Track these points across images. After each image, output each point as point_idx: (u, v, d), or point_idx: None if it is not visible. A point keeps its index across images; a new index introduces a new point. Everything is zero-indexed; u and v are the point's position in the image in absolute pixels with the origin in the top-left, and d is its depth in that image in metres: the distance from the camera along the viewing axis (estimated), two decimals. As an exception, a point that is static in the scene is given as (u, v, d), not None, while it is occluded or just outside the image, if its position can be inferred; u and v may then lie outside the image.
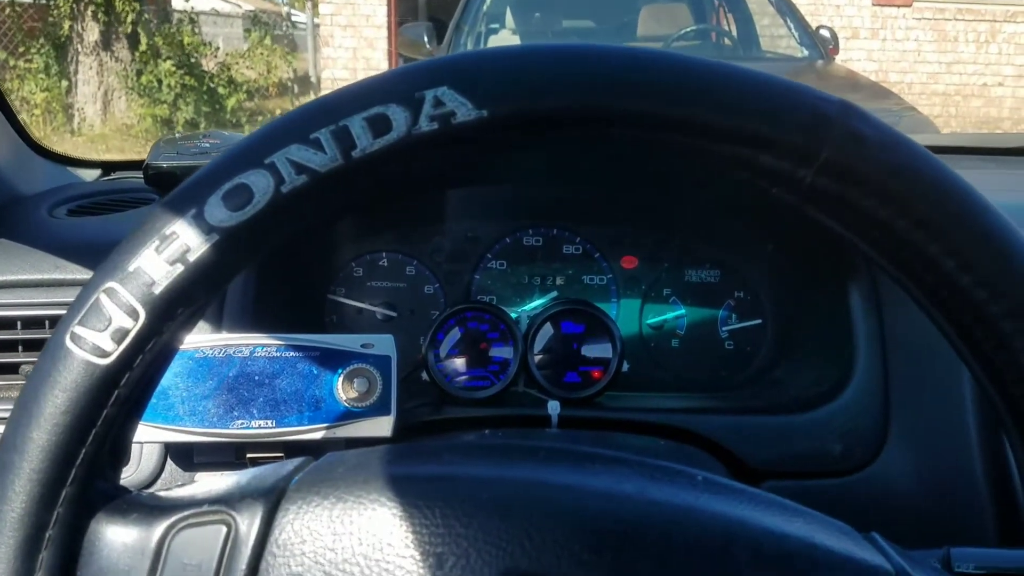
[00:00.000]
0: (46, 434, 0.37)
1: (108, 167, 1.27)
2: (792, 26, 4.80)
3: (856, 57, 7.59)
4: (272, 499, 0.40)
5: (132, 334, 0.37)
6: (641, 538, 0.38)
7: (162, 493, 0.43)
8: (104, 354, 0.37)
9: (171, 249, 0.37)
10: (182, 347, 0.77)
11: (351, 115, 0.37)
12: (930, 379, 0.85)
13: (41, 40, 7.28)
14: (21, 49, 7.24)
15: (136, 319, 0.37)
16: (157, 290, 0.37)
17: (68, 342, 0.37)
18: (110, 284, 0.37)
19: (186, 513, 0.40)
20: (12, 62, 7.15)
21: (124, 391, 0.38)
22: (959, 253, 0.37)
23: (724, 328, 1.05)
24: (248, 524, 0.39)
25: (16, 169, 1.10)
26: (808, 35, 4.74)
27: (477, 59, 0.39)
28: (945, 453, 0.84)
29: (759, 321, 1.04)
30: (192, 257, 0.37)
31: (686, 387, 1.02)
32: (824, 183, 0.37)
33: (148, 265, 0.37)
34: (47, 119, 7.11)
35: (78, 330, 0.37)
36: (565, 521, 0.39)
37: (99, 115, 7.35)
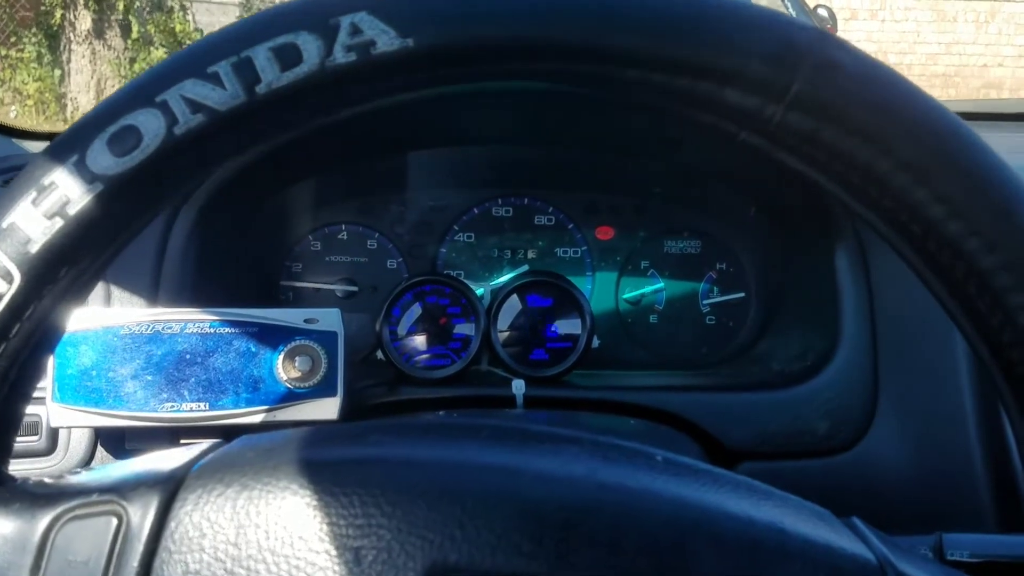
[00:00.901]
0: None
1: (53, 138, 1.21)
2: (789, 5, 4.73)
3: (855, 38, 7.51)
4: (169, 487, 0.36)
5: (6, 299, 0.33)
6: (588, 526, 0.34)
7: (50, 480, 0.38)
8: None
9: (49, 201, 0.33)
10: (105, 323, 0.72)
11: (255, 45, 0.33)
12: (922, 350, 0.79)
13: (33, 29, 7.24)
14: (13, 39, 7.19)
15: (11, 282, 0.33)
16: (33, 248, 0.33)
17: None
18: None
19: (73, 503, 0.36)
20: (4, 52, 7.10)
21: (2, 364, 0.34)
22: (949, 199, 0.32)
23: (705, 302, 0.99)
24: (141, 516, 0.35)
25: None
26: (806, 14, 4.67)
27: None
28: (938, 430, 0.78)
29: (742, 294, 0.98)
30: (73, 210, 0.33)
31: (664, 365, 0.97)
32: (796, 120, 0.33)
33: (23, 220, 0.33)
34: (40, 109, 7.07)
35: None
36: (502, 508, 0.34)
37: (92, 104, 7.30)
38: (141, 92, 0.33)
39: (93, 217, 0.33)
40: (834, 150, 0.33)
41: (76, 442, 0.78)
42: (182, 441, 0.74)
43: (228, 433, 0.74)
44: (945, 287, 0.34)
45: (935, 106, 0.33)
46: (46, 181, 0.33)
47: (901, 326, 0.80)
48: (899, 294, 0.80)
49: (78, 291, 0.36)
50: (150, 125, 0.32)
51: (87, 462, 0.78)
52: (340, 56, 0.32)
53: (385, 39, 0.32)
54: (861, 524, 0.37)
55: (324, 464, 0.36)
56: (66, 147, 0.33)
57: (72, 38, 7.25)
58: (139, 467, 0.38)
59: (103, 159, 0.33)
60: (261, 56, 0.32)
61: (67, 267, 0.34)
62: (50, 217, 0.33)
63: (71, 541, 0.35)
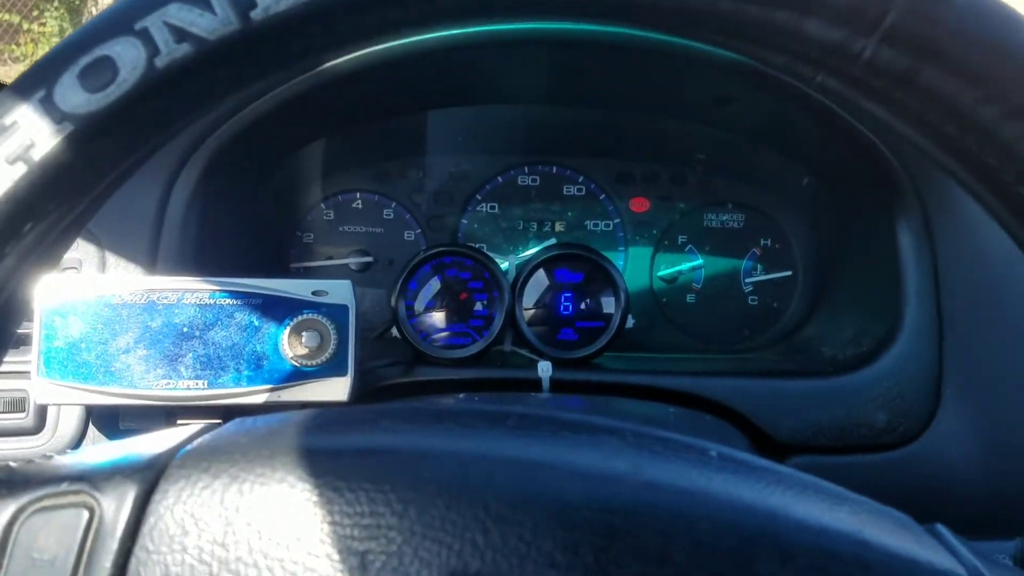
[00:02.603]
0: None
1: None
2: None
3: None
4: (148, 477, 0.32)
5: None
6: (633, 533, 0.30)
7: (15, 465, 0.34)
8: None
9: (11, 144, 0.29)
10: (97, 293, 0.66)
11: None
12: (992, 335, 0.73)
13: (55, 3, 7.28)
14: (35, 13, 7.23)
15: None
16: None
17: None
18: None
19: (39, 493, 0.32)
20: (26, 26, 7.15)
21: None
22: None
23: (748, 281, 0.93)
24: (115, 509, 0.31)
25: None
26: None
27: None
28: (1008, 423, 0.72)
29: (788, 273, 0.92)
30: (38, 154, 0.29)
31: (702, 348, 0.91)
32: (888, 58, 0.29)
33: None
34: (61, 83, 7.14)
35: None
36: (533, 509, 0.30)
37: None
38: (119, 18, 0.29)
39: (61, 162, 0.29)
40: (931, 94, 0.29)
41: (66, 421, 0.72)
42: (179, 422, 0.69)
43: (228, 413, 0.69)
44: None
45: None
46: (7, 121, 0.29)
47: (969, 309, 0.73)
48: (968, 274, 0.73)
49: (48, 250, 0.32)
50: (127, 56, 0.29)
51: (78, 442, 0.73)
52: None
53: None
54: (946, 532, 0.33)
55: (327, 453, 0.32)
56: (31, 82, 0.29)
57: (94, 12, 7.28)
58: (116, 453, 0.34)
59: (73, 95, 0.29)
60: None
61: (32, 221, 0.30)
62: (12, 162, 0.29)
63: (36, 536, 0.31)
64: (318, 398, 0.68)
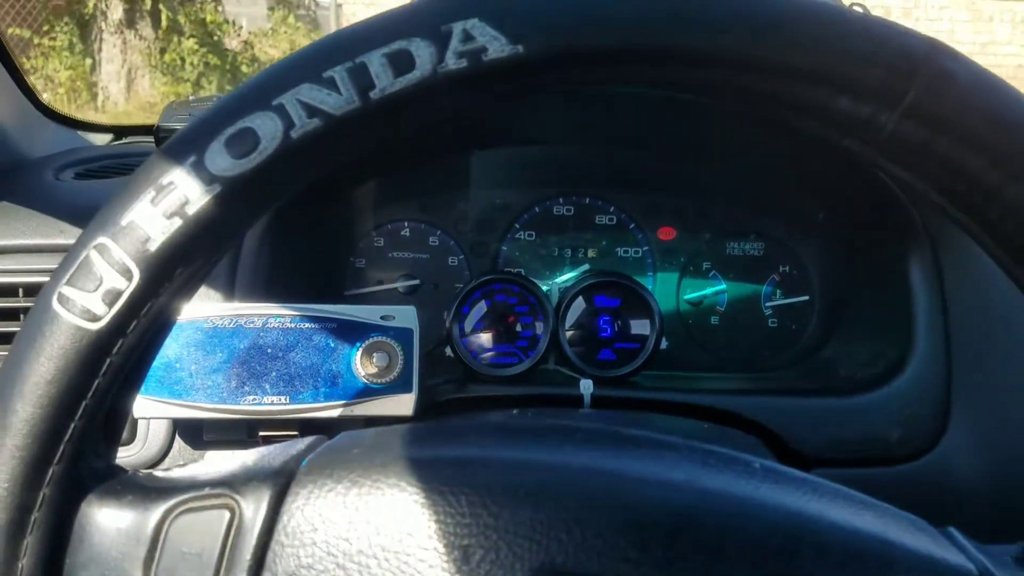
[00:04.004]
0: (30, 407, 0.33)
1: (120, 131, 1.23)
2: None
3: (888, 37, 7.42)
4: (280, 482, 0.36)
5: (125, 296, 0.33)
6: (695, 532, 0.34)
7: (160, 473, 0.39)
8: (95, 318, 0.33)
9: (168, 201, 0.33)
10: (190, 317, 0.73)
11: (370, 51, 0.33)
12: (996, 357, 0.79)
13: (65, 18, 7.28)
14: (46, 27, 7.24)
15: (130, 279, 0.33)
16: (153, 247, 0.33)
17: (55, 304, 0.33)
18: (101, 240, 0.33)
19: (186, 496, 0.36)
20: (37, 40, 7.15)
21: (117, 359, 0.34)
22: None
23: (768, 304, 0.99)
24: (254, 509, 0.35)
25: (22, 131, 1.05)
26: (841, 12, 4.63)
27: None
28: (1012, 439, 0.78)
29: (806, 297, 0.97)
30: (191, 210, 0.33)
31: (725, 367, 0.96)
32: (908, 129, 0.32)
33: (143, 219, 0.33)
34: (71, 97, 7.13)
35: (66, 291, 0.33)
36: (608, 512, 0.34)
37: (123, 93, 7.36)
38: (258, 95, 0.33)
39: (211, 217, 0.33)
40: (944, 160, 0.33)
41: (154, 432, 0.79)
42: (261, 434, 0.75)
43: (304, 426, 0.75)
44: None
45: None
46: (165, 181, 0.33)
47: (975, 333, 0.79)
48: (973, 300, 0.80)
49: (190, 289, 0.37)
50: (267, 128, 0.33)
51: (165, 452, 0.79)
52: (452, 62, 0.32)
53: (496, 45, 0.32)
54: (958, 534, 0.37)
55: (430, 462, 0.37)
56: (185, 147, 0.33)
57: (103, 27, 7.29)
58: (249, 462, 0.38)
59: (221, 160, 0.33)
60: (376, 62, 0.32)
61: (183, 266, 0.34)
62: (169, 217, 0.33)
63: (184, 533, 0.35)
64: (387, 412, 0.74)
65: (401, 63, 0.32)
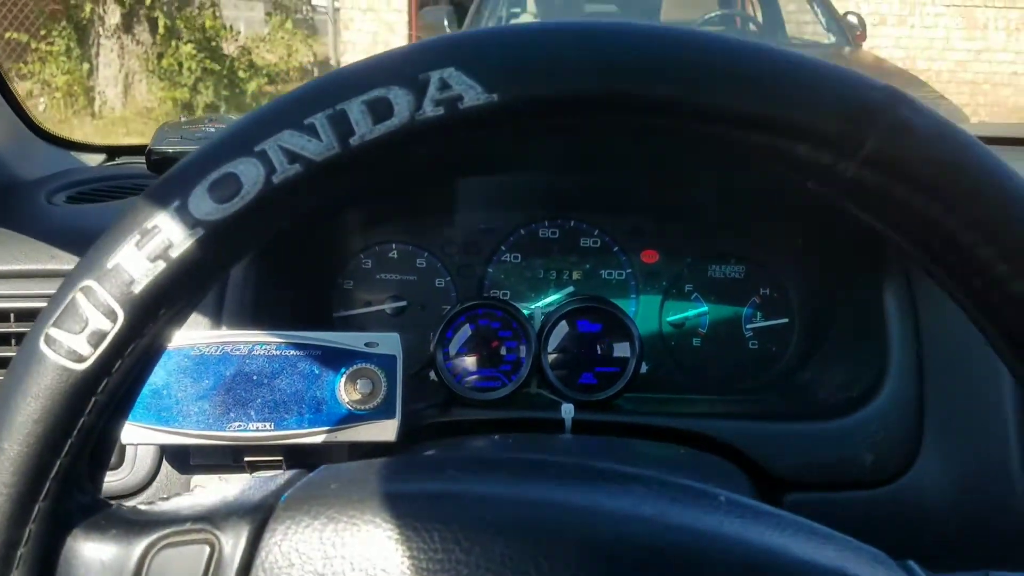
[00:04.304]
0: (17, 445, 0.34)
1: (112, 152, 1.24)
2: (819, 12, 4.71)
3: (884, 44, 7.45)
4: (259, 517, 0.37)
5: (110, 337, 0.34)
6: (660, 567, 0.35)
7: (144, 507, 0.40)
8: (80, 358, 0.34)
9: (152, 244, 0.34)
10: (177, 344, 0.74)
11: (349, 98, 0.34)
12: (968, 383, 0.80)
13: (63, 23, 7.27)
14: (43, 32, 7.23)
15: (114, 320, 0.34)
16: (137, 289, 0.34)
17: (42, 345, 0.34)
18: (87, 282, 0.35)
19: (167, 531, 0.37)
20: (34, 44, 7.14)
21: (102, 398, 0.35)
22: (1015, 259, 0.33)
23: (749, 327, 1.00)
24: (233, 544, 0.36)
25: (15, 153, 1.07)
26: (835, 21, 4.66)
27: (487, 38, 0.35)
28: (983, 465, 0.79)
29: (786, 320, 0.99)
30: (175, 253, 0.34)
31: (708, 388, 0.98)
32: (867, 177, 0.33)
33: (127, 262, 0.34)
34: (68, 102, 7.12)
35: (53, 332, 0.34)
36: (577, 547, 0.36)
37: (120, 98, 7.35)
38: (241, 141, 0.34)
39: (194, 260, 0.34)
40: (902, 206, 0.34)
41: (142, 458, 0.80)
42: (247, 459, 0.77)
43: (289, 452, 0.76)
44: (1006, 341, 0.35)
45: (1002, 167, 0.34)
46: (149, 224, 0.34)
47: (947, 360, 0.81)
48: (945, 329, 0.81)
49: (174, 327, 0.38)
50: (250, 173, 0.34)
51: (153, 476, 0.80)
52: (429, 110, 0.33)
53: (472, 94, 0.33)
54: (916, 567, 0.38)
55: (405, 497, 0.38)
56: (169, 191, 0.34)
57: (101, 32, 7.28)
58: (229, 496, 0.39)
59: (204, 205, 0.34)
60: (355, 109, 0.33)
61: (167, 307, 0.35)
62: (153, 260, 0.34)
63: (165, 568, 0.36)
64: (369, 438, 0.76)
65: (380, 110, 0.33)
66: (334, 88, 0.34)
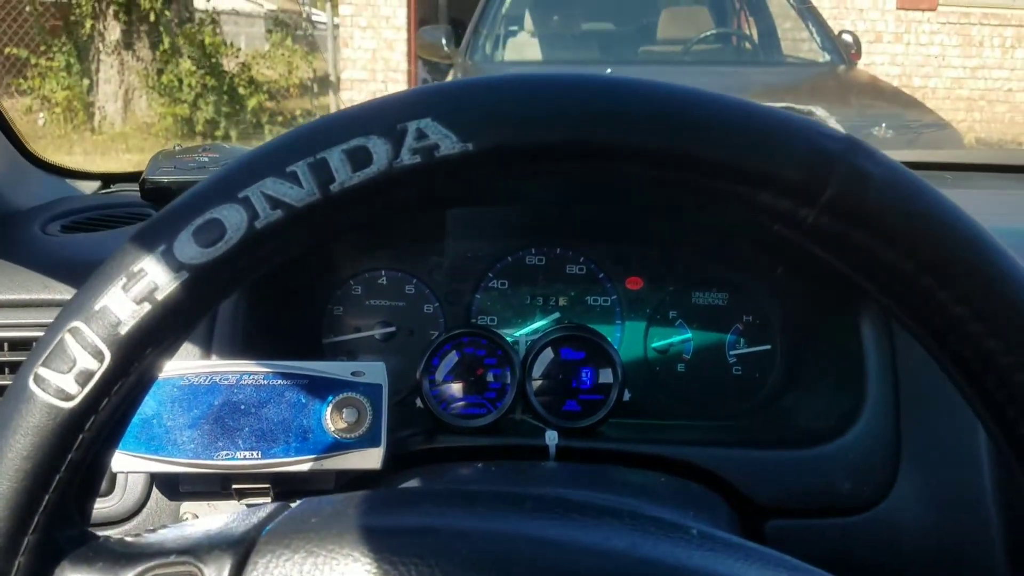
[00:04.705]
0: (7, 480, 0.36)
1: (107, 179, 1.26)
2: (814, 30, 4.73)
3: (879, 61, 7.50)
4: (241, 551, 0.38)
5: (97, 376, 0.36)
6: None
7: (130, 539, 0.41)
8: (68, 397, 0.36)
9: (139, 287, 0.35)
10: (167, 375, 0.76)
11: (329, 147, 0.35)
12: (943, 413, 0.82)
13: (63, 38, 7.32)
14: (43, 48, 7.27)
15: (101, 360, 0.36)
16: (123, 330, 0.36)
17: (31, 384, 0.36)
18: (75, 323, 0.36)
19: (153, 563, 0.38)
20: (34, 60, 7.19)
21: (89, 434, 0.37)
22: (970, 300, 0.35)
23: (732, 353, 1.02)
24: None
25: (10, 181, 1.08)
26: (830, 39, 4.68)
27: (462, 89, 0.37)
28: (957, 490, 0.80)
29: (768, 347, 1.00)
30: (160, 296, 0.35)
31: (692, 414, 0.99)
32: (827, 223, 0.35)
33: (114, 304, 0.36)
34: (68, 117, 7.16)
35: (42, 372, 0.36)
36: None
37: (120, 114, 7.39)
38: (225, 187, 0.36)
39: (179, 302, 0.36)
40: (863, 251, 0.35)
41: (132, 485, 0.81)
42: (234, 487, 0.78)
43: (276, 480, 0.78)
44: (965, 378, 0.36)
45: (958, 213, 0.35)
46: (135, 268, 0.36)
47: (923, 390, 0.82)
48: (921, 358, 0.82)
49: (160, 365, 0.39)
50: (233, 219, 0.35)
51: (143, 504, 0.82)
52: (407, 158, 0.35)
53: (448, 143, 0.35)
54: None
55: (383, 532, 0.39)
56: (155, 236, 0.36)
57: (101, 48, 7.32)
58: (212, 529, 0.41)
59: (189, 249, 0.35)
60: (335, 157, 0.35)
61: (152, 347, 0.37)
62: (139, 302, 0.35)
63: None
64: (355, 466, 0.77)
65: (359, 158, 0.35)
66: (315, 137, 0.36)
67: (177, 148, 1.12)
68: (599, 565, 0.38)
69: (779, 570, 0.39)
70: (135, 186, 1.15)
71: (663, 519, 0.42)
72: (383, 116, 0.36)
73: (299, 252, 0.38)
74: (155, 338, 0.36)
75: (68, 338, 0.36)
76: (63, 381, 0.36)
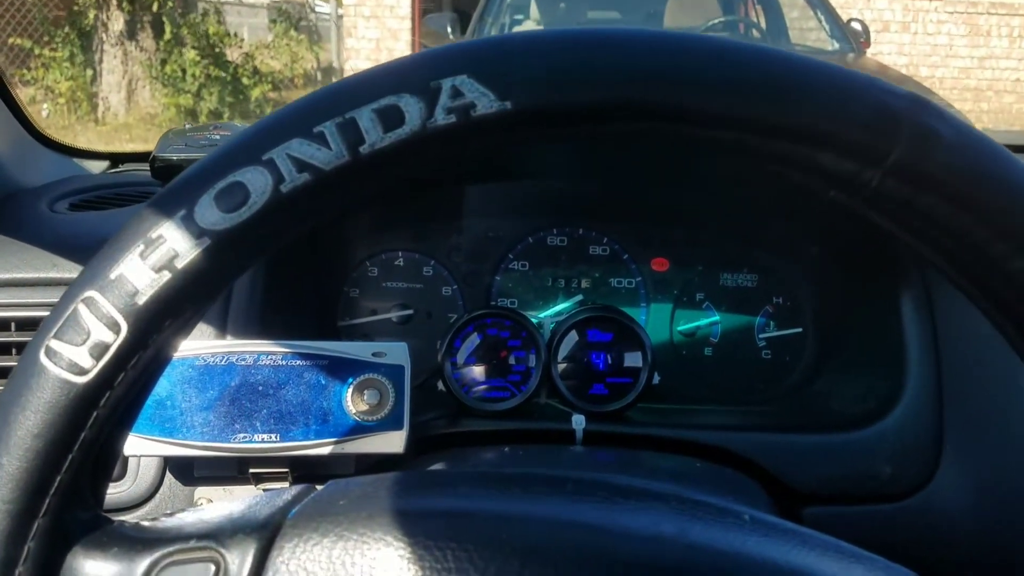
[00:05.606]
0: (16, 460, 0.34)
1: (116, 159, 1.23)
2: (822, 18, 4.71)
3: (887, 51, 7.47)
4: (266, 535, 0.36)
5: (113, 349, 0.34)
6: None
7: (147, 523, 0.39)
8: (81, 371, 0.34)
9: (157, 255, 0.33)
10: (181, 354, 0.73)
11: (359, 106, 0.33)
12: (988, 395, 0.79)
13: (66, 29, 7.29)
14: (46, 38, 7.25)
15: (117, 332, 0.34)
16: (141, 300, 0.33)
17: (42, 358, 0.34)
18: (89, 293, 0.34)
19: (171, 549, 0.36)
20: (37, 51, 7.16)
21: (104, 412, 0.35)
22: None
23: (761, 336, 0.99)
24: (239, 563, 0.35)
25: (17, 160, 1.05)
26: (839, 28, 4.65)
27: (501, 45, 0.34)
28: (1005, 477, 0.77)
29: (799, 330, 0.97)
30: (180, 264, 0.33)
31: (719, 399, 0.96)
32: (892, 187, 0.33)
33: (131, 272, 0.33)
34: (71, 108, 7.14)
35: (54, 344, 0.34)
36: (595, 568, 0.34)
37: (123, 104, 7.37)
38: (249, 149, 0.34)
39: (200, 271, 0.34)
40: (928, 216, 0.33)
41: (145, 469, 0.79)
42: (251, 471, 0.75)
43: (295, 464, 0.75)
44: None
45: None
46: (153, 234, 0.33)
47: (967, 370, 0.79)
48: (965, 337, 0.80)
49: (178, 339, 0.37)
50: (257, 182, 0.33)
51: (156, 488, 0.79)
52: (441, 118, 0.33)
53: (485, 102, 0.33)
54: None
55: (416, 515, 0.37)
56: (174, 201, 0.34)
57: (104, 38, 7.31)
58: (235, 513, 0.38)
59: (211, 214, 0.33)
60: (365, 117, 0.33)
61: (171, 318, 0.34)
62: (157, 270, 0.33)
63: None
64: (377, 450, 0.74)
65: (390, 119, 0.33)
66: (344, 96, 0.34)
67: (187, 126, 1.09)
68: (648, 551, 0.35)
69: (840, 557, 0.37)
70: (144, 166, 1.12)
71: (712, 503, 0.39)
72: (416, 73, 0.34)
73: (327, 218, 0.36)
74: (175, 309, 0.34)
75: (82, 308, 0.34)
76: (77, 354, 0.34)
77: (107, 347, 0.34)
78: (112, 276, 0.34)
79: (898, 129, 0.32)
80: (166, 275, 0.33)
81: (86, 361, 0.34)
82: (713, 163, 0.86)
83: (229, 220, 0.33)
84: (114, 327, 0.33)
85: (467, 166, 0.83)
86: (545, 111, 0.33)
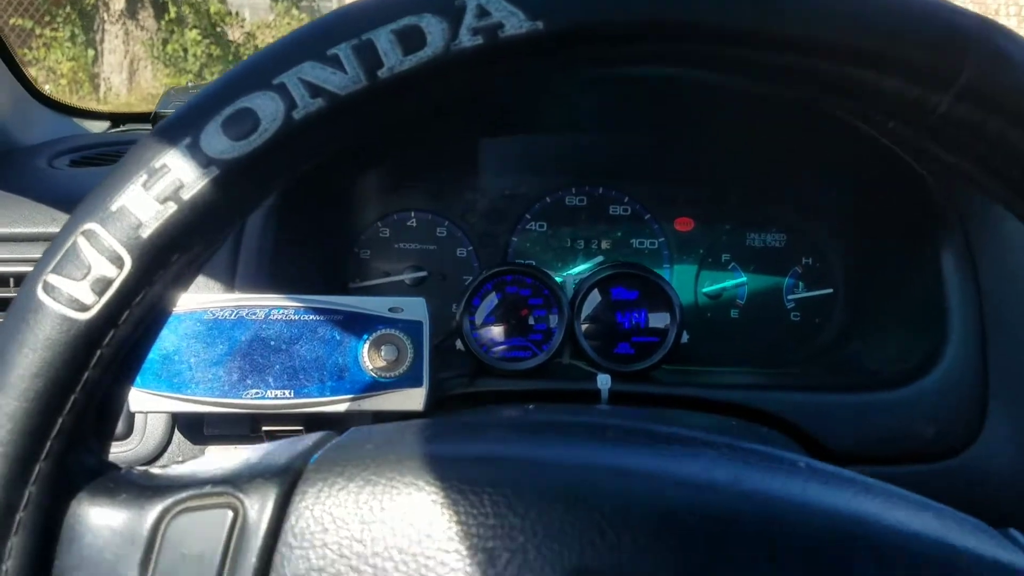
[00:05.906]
0: (15, 401, 0.32)
1: (117, 119, 1.20)
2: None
3: (895, 29, 7.42)
4: (287, 480, 0.34)
5: (116, 284, 0.32)
6: (740, 537, 0.32)
7: (157, 470, 0.37)
8: (83, 307, 0.32)
9: (161, 185, 0.31)
10: (188, 308, 0.70)
11: (377, 27, 0.31)
12: None
13: (67, 9, 7.28)
14: (47, 18, 7.23)
15: (120, 267, 0.32)
16: (145, 233, 0.32)
17: (40, 293, 0.32)
18: (89, 225, 0.32)
19: (185, 495, 0.34)
20: (38, 31, 7.14)
21: (108, 351, 0.33)
22: None
23: (790, 298, 0.96)
24: (259, 509, 0.33)
25: (16, 118, 1.02)
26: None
27: None
28: None
29: (830, 290, 0.94)
30: (187, 194, 0.32)
31: (746, 361, 0.94)
32: (962, 112, 0.31)
33: (134, 203, 0.32)
34: (73, 88, 7.13)
35: (52, 279, 0.32)
36: (646, 514, 0.32)
37: (125, 84, 7.36)
38: (258, 74, 0.32)
39: (208, 202, 0.32)
40: (997, 141, 0.31)
41: (153, 427, 0.76)
42: (264, 428, 0.72)
43: (309, 421, 0.72)
44: None
45: None
46: (157, 164, 0.31)
47: (1012, 326, 0.76)
48: (1010, 292, 0.77)
49: (188, 277, 0.35)
50: (267, 109, 0.31)
51: (164, 447, 0.76)
52: (466, 39, 0.31)
53: (514, 21, 0.30)
54: (1021, 536, 0.35)
55: (448, 459, 0.35)
56: (179, 128, 0.32)
57: (106, 18, 7.29)
58: (253, 459, 0.36)
59: (218, 142, 0.31)
60: (383, 39, 0.31)
61: (179, 253, 0.32)
62: (162, 201, 0.31)
63: (183, 534, 0.33)
64: (396, 407, 0.71)
65: (411, 40, 0.31)
66: (360, 16, 0.32)
67: (190, 84, 1.06)
68: (701, 499, 0.33)
69: (906, 505, 0.35)
70: (146, 126, 1.09)
71: (764, 450, 0.37)
72: None
73: (342, 147, 0.34)
74: (181, 243, 0.32)
75: (82, 241, 0.32)
76: (77, 289, 0.32)
77: (110, 282, 0.32)
78: (113, 208, 0.32)
79: (967, 51, 0.30)
80: (172, 206, 0.31)
81: (87, 297, 0.32)
82: (743, 114, 0.82)
83: (238, 148, 0.31)
84: (117, 261, 0.32)
85: (481, 107, 0.79)
86: (578, 32, 0.31)
